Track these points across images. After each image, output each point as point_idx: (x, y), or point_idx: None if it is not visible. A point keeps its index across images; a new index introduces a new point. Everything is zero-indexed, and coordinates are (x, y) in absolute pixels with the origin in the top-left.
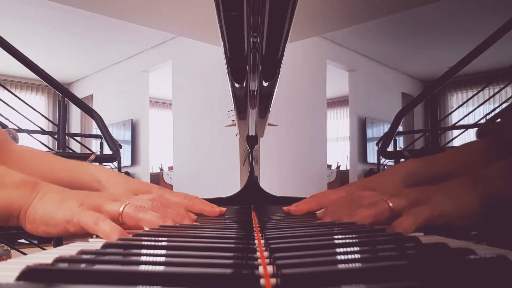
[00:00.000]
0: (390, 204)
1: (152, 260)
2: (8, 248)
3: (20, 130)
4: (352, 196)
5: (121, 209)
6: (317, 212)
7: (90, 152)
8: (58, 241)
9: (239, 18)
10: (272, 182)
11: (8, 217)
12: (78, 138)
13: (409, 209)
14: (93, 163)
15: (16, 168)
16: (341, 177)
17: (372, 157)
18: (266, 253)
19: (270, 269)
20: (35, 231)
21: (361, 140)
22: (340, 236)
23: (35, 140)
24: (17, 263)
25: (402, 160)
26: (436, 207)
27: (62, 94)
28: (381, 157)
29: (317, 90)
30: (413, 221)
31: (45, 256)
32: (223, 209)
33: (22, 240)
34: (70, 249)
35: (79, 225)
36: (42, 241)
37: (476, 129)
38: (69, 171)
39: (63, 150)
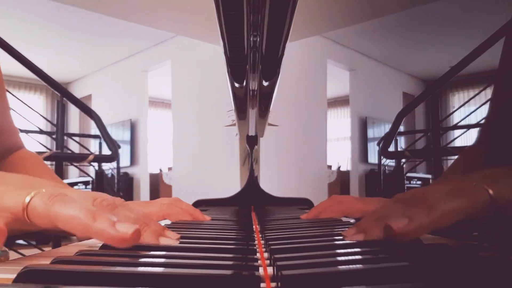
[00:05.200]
0: (491, 192)
1: (151, 261)
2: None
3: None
4: (397, 198)
5: (27, 200)
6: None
7: (89, 153)
8: (56, 242)
9: (239, 17)
10: (272, 183)
11: None
12: (77, 138)
13: None
14: (92, 163)
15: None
16: (342, 178)
17: (373, 158)
18: (266, 254)
19: (270, 270)
20: None
21: (362, 140)
22: (340, 237)
23: (33, 140)
24: (15, 264)
25: (403, 160)
26: None
27: (61, 94)
28: (382, 157)
29: (318, 89)
30: None
31: (44, 257)
32: (207, 217)
33: (20, 241)
34: (68, 250)
35: None
36: (40, 242)
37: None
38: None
39: (61, 150)
